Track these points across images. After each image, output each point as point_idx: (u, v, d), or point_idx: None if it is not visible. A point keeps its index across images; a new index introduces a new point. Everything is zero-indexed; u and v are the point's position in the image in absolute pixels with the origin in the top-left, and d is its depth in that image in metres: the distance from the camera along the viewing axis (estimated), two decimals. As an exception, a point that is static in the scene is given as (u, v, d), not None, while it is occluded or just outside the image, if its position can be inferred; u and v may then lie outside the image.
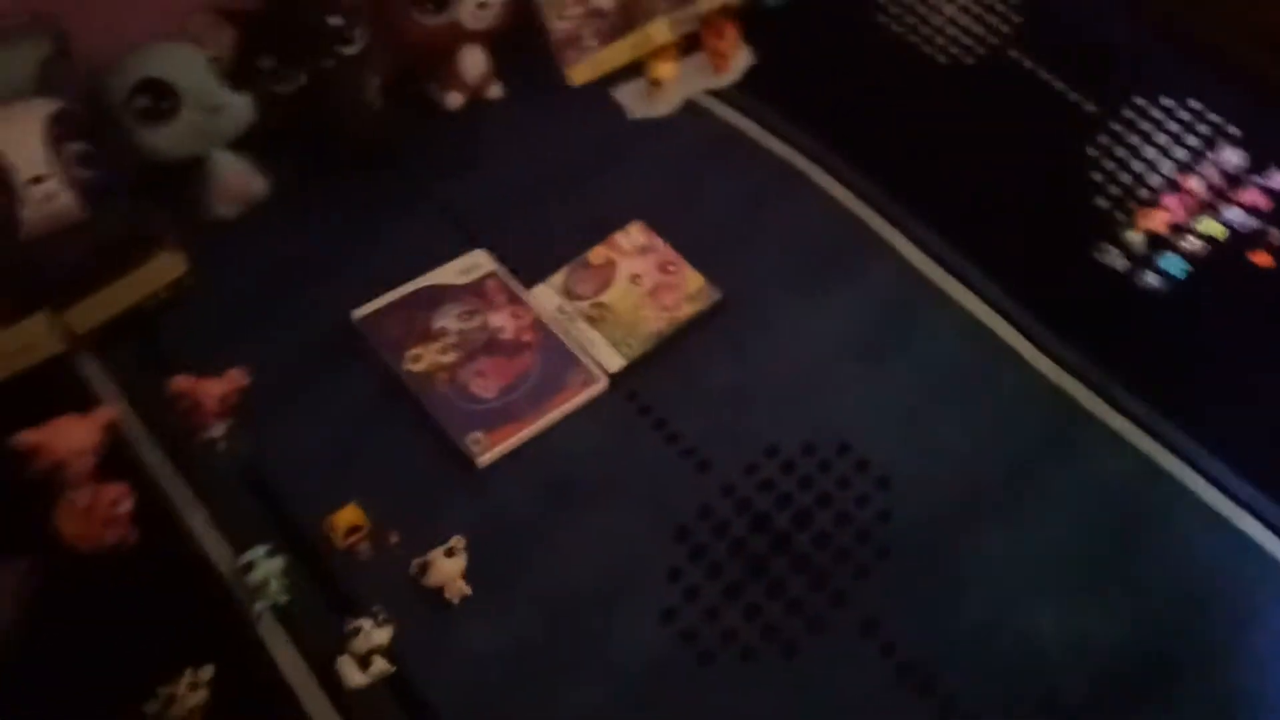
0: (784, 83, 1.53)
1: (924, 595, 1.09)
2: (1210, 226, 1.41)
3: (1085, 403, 1.23)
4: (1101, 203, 1.44)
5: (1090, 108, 1.55)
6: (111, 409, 1.11)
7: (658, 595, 1.07)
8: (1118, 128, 1.52)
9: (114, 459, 1.08)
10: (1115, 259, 1.38)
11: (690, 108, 1.51)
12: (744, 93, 1.53)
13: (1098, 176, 1.47)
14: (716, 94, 1.53)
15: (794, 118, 1.49)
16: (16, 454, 1.02)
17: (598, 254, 1.33)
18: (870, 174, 1.43)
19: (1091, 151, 1.49)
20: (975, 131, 1.52)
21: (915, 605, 1.08)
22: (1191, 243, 1.39)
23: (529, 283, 1.30)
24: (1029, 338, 1.28)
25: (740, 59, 1.56)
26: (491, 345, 1.24)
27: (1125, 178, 1.47)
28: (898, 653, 1.05)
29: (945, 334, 1.29)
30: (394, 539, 1.09)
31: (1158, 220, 1.41)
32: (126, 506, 1.05)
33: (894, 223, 1.39)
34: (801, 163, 1.45)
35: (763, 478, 1.16)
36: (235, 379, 1.12)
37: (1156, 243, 1.39)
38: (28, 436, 1.03)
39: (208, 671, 0.98)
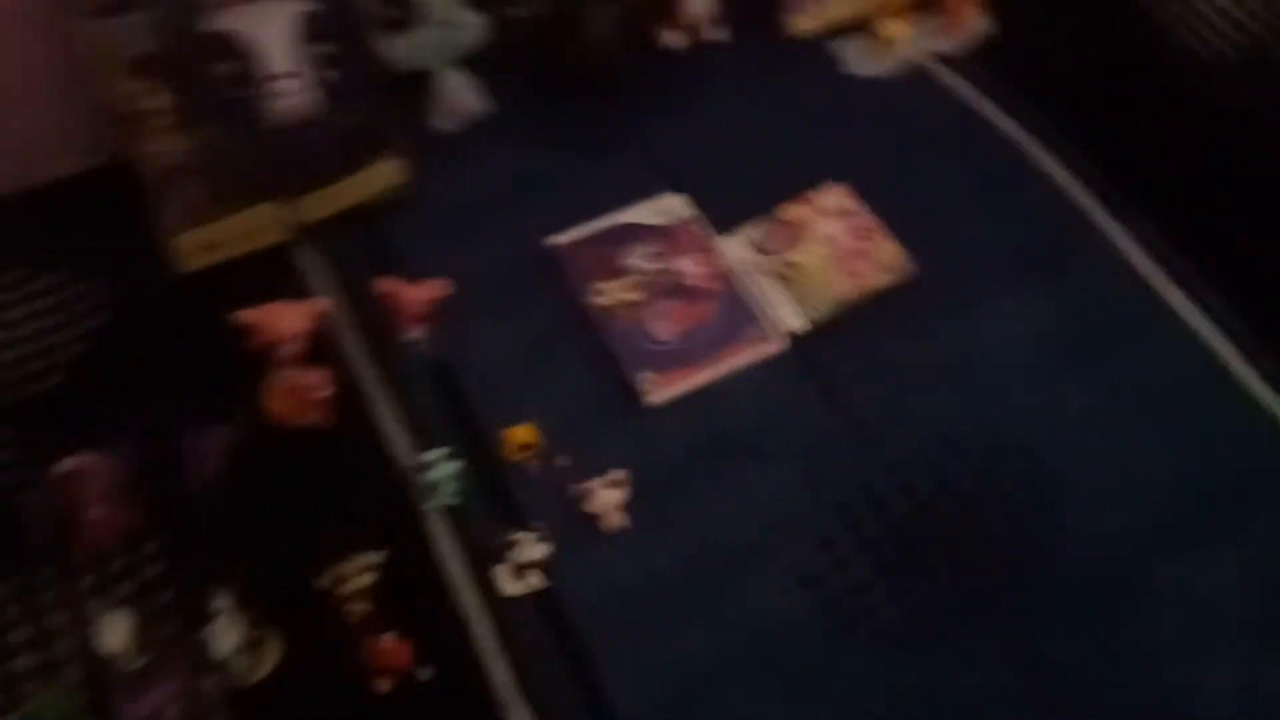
0: (1021, 56, 1.46)
1: (1084, 618, 1.04)
2: None
3: (1301, 441, 1.14)
4: (1359, 226, 1.31)
5: (1367, 120, 1.40)
6: (324, 300, 1.19)
7: (804, 559, 1.07)
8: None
9: (320, 346, 1.16)
10: (1365, 290, 1.25)
11: (915, 71, 1.46)
12: (976, 62, 1.46)
13: (1361, 196, 1.33)
14: (946, 59, 1.46)
15: (1025, 95, 1.42)
16: (236, 329, 1.12)
17: (794, 211, 1.32)
18: (1100, 165, 1.35)
19: (1359, 168, 1.35)
20: (1225, 132, 1.40)
21: (1073, 626, 1.04)
22: None
23: (722, 231, 1.30)
24: (1251, 363, 1.19)
25: (977, 25, 1.48)
26: (676, 289, 1.25)
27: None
28: (1044, 669, 1.01)
29: (1157, 346, 1.21)
30: (561, 461, 1.13)
31: None
32: (327, 391, 1.13)
33: (1119, 220, 1.30)
34: (1026, 143, 1.38)
35: (933, 464, 1.13)
36: (437, 287, 1.18)
37: None
38: (247, 315, 1.12)
39: (378, 556, 1.05)
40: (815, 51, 1.48)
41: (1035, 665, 1.01)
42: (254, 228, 1.24)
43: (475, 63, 1.35)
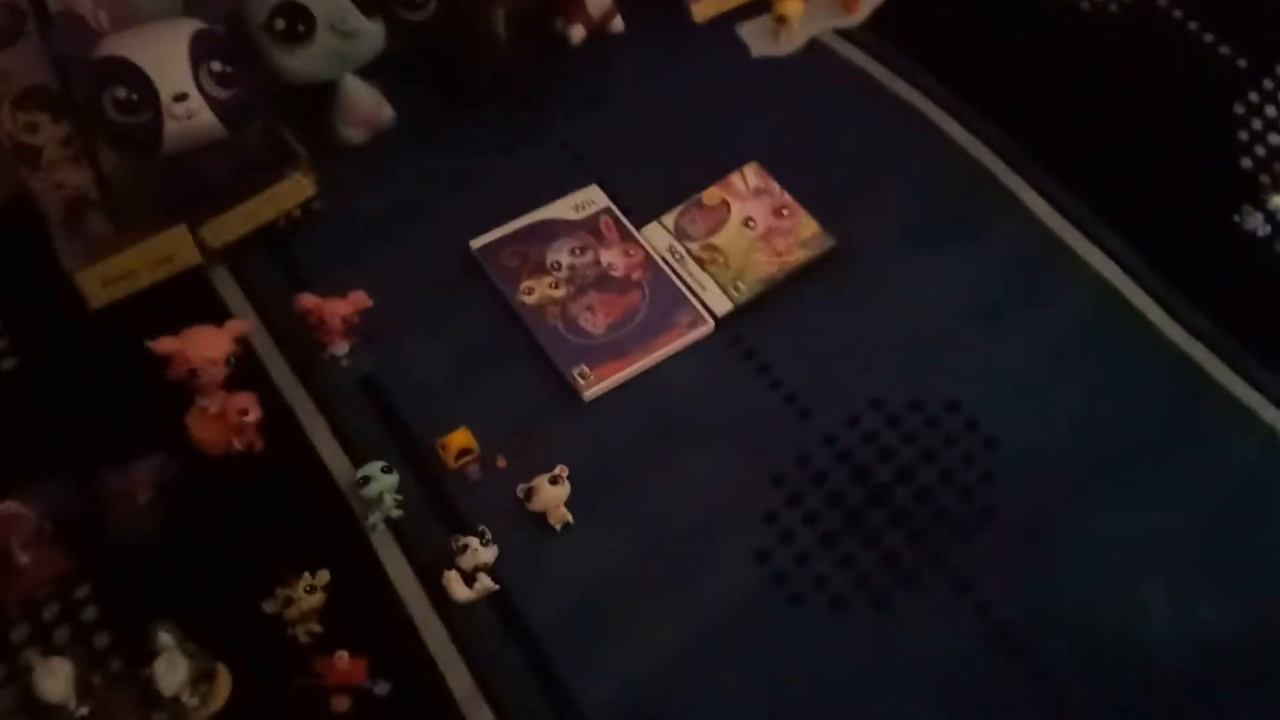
0: (915, 25, 1.49)
1: (1025, 561, 1.07)
2: (1365, 195, 1.33)
3: (1215, 374, 1.19)
4: (1246, 163, 1.37)
5: (1242, 62, 1.46)
6: (243, 321, 1.16)
7: (752, 536, 1.09)
8: (1269, 84, 1.44)
9: (243, 369, 1.13)
10: (1257, 223, 1.31)
11: (815, 47, 1.48)
12: (872, 34, 1.49)
13: (1244, 135, 1.39)
14: (844, 34, 1.49)
15: (923, 62, 1.45)
16: (154, 359, 1.09)
17: (712, 195, 1.33)
18: (1001, 124, 1.38)
19: (1239, 109, 1.42)
20: (1116, 84, 1.45)
21: (1015, 570, 1.07)
22: (1342, 212, 1.32)
23: (642, 221, 1.30)
24: (1159, 303, 1.24)
25: (870, -2, 1.52)
26: (602, 281, 1.25)
27: (1274, 138, 1.39)
28: (992, 615, 1.04)
29: (1071, 295, 1.25)
30: (502, 463, 1.12)
31: (1307, 186, 1.33)
32: (254, 415, 1.10)
33: (1024, 176, 1.34)
34: (929, 109, 1.41)
35: (866, 430, 1.15)
36: (359, 300, 1.15)
37: (1303, 210, 1.32)
38: (165, 343, 1.08)
39: (324, 576, 1.03)
40: (717, 36, 1.49)
41: (985, 616, 1.04)
42: (162, 256, 1.20)
43: (378, 70, 1.33)
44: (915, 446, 1.14)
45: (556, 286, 1.25)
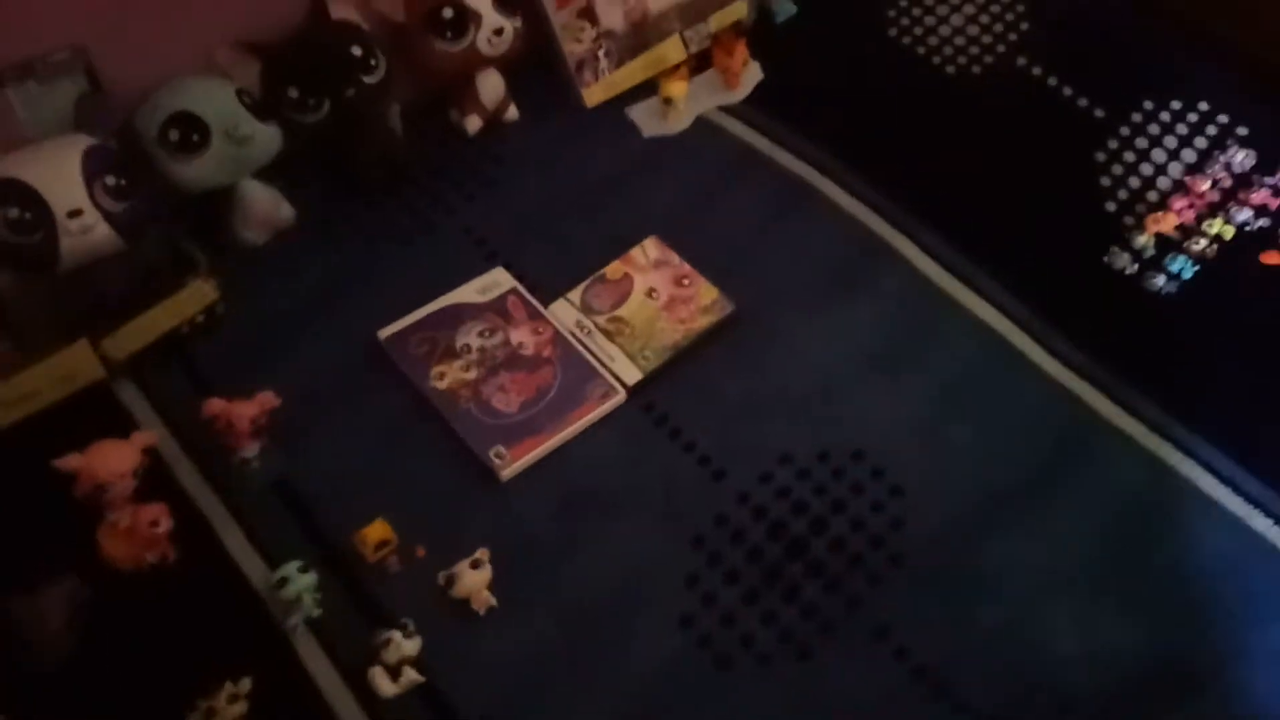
0: (794, 97, 1.56)
1: (937, 601, 1.11)
2: (1219, 228, 1.42)
3: (1097, 406, 1.25)
4: (1110, 207, 1.46)
5: (1099, 112, 1.56)
6: (149, 432, 1.15)
7: (676, 602, 1.10)
8: (1126, 131, 1.53)
9: (153, 480, 1.12)
10: (1125, 262, 1.39)
11: (703, 125, 1.54)
12: (755, 108, 1.55)
13: (1106, 181, 1.48)
14: (728, 110, 1.55)
15: (804, 131, 1.52)
16: (60, 477, 1.07)
17: (614, 269, 1.37)
18: (881, 185, 1.45)
19: (1100, 156, 1.51)
20: (984, 139, 1.54)
21: (929, 611, 1.10)
22: (1200, 244, 1.40)
23: (549, 298, 1.33)
24: (1041, 343, 1.30)
25: (750, 75, 1.59)
26: (512, 361, 1.27)
27: (1134, 181, 1.48)
28: (911, 657, 1.07)
29: (958, 342, 1.31)
30: (421, 553, 1.12)
31: (1166, 223, 1.42)
32: (165, 526, 1.09)
33: (905, 233, 1.41)
34: (812, 176, 1.47)
35: (778, 486, 1.18)
36: (266, 401, 1.16)
37: (1165, 245, 1.40)
38: (70, 461, 1.07)
39: (246, 684, 1.01)
40: (608, 120, 1.54)
41: (905, 659, 1.07)
42: (64, 373, 1.19)
43: (275, 171, 1.34)
44: (825, 498, 1.18)
45: (468, 369, 1.26)
